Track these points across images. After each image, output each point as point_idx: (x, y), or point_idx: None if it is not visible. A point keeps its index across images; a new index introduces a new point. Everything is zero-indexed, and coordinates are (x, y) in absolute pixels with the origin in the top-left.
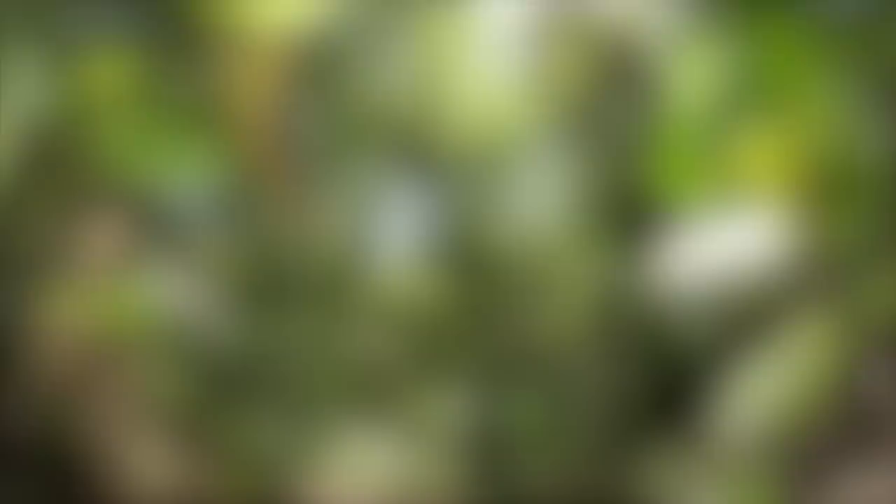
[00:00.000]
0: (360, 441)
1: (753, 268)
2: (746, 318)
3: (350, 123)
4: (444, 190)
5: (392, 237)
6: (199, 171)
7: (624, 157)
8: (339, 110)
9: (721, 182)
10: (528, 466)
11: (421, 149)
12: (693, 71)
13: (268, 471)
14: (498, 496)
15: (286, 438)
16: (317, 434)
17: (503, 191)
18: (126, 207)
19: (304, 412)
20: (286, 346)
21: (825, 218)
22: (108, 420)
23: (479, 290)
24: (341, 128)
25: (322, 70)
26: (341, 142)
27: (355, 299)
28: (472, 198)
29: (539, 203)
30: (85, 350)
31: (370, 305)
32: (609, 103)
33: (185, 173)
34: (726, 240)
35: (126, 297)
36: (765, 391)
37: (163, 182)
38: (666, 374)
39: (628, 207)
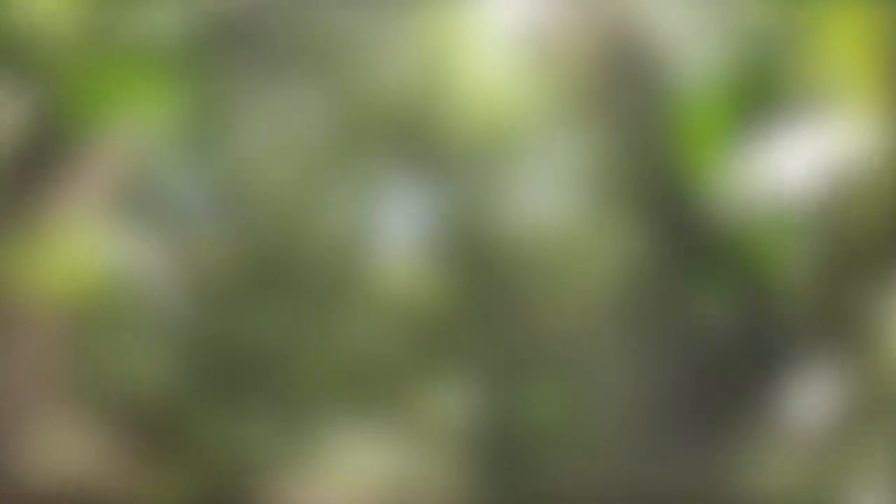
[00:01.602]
0: (356, 439)
1: (845, 175)
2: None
3: (353, 117)
4: (450, 182)
5: (397, 230)
6: (156, 112)
7: (658, 113)
8: (342, 104)
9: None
10: (549, 463)
11: (425, 141)
12: None
13: (237, 470)
14: (512, 496)
15: (268, 434)
16: (305, 431)
17: (510, 182)
18: (103, 166)
19: (291, 406)
20: (275, 337)
21: None
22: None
23: (489, 282)
24: (345, 121)
25: (325, 63)
26: (345, 135)
27: (356, 292)
28: (479, 190)
29: (548, 192)
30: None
31: (371, 298)
32: (626, 69)
33: (144, 113)
34: (810, 155)
35: (91, 261)
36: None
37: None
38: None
39: (662, 170)
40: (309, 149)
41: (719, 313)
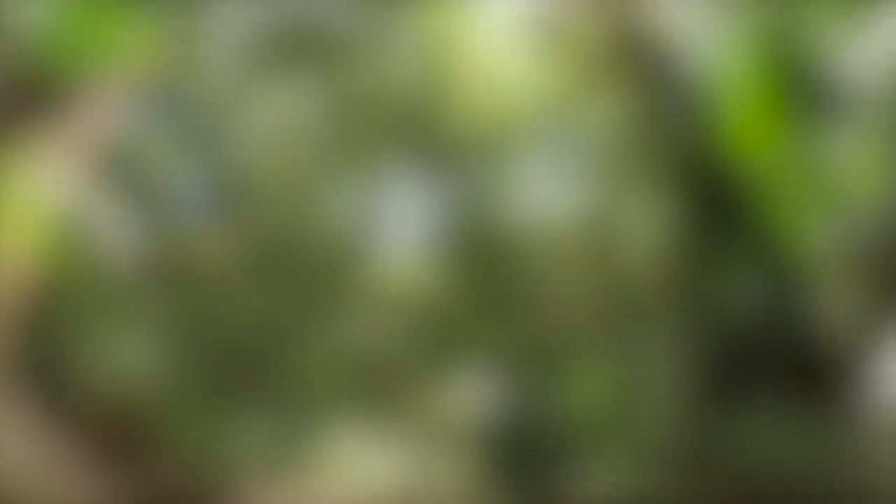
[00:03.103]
0: (361, 438)
1: None
2: None
3: (358, 112)
4: (462, 172)
5: (407, 220)
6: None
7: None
8: (346, 99)
9: None
10: (574, 463)
11: (430, 136)
12: None
13: (224, 471)
14: (529, 499)
15: (264, 432)
16: (304, 429)
17: (521, 170)
18: (81, 122)
19: (289, 403)
20: (273, 329)
21: None
22: None
23: (505, 272)
24: (350, 116)
25: (329, 59)
26: (351, 124)
27: (362, 283)
28: (490, 179)
29: (560, 177)
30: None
31: (377, 294)
32: (637, 50)
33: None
34: None
35: (62, 228)
36: None
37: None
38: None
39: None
40: (312, 137)
41: (763, 292)
